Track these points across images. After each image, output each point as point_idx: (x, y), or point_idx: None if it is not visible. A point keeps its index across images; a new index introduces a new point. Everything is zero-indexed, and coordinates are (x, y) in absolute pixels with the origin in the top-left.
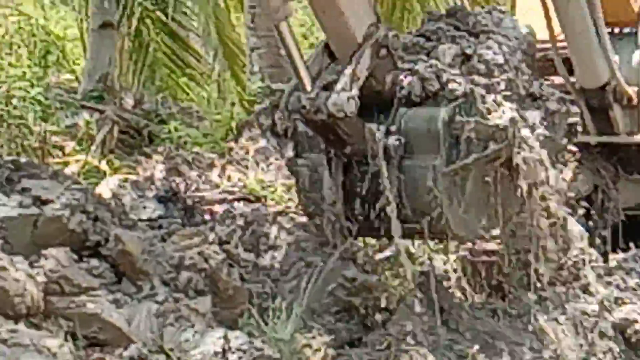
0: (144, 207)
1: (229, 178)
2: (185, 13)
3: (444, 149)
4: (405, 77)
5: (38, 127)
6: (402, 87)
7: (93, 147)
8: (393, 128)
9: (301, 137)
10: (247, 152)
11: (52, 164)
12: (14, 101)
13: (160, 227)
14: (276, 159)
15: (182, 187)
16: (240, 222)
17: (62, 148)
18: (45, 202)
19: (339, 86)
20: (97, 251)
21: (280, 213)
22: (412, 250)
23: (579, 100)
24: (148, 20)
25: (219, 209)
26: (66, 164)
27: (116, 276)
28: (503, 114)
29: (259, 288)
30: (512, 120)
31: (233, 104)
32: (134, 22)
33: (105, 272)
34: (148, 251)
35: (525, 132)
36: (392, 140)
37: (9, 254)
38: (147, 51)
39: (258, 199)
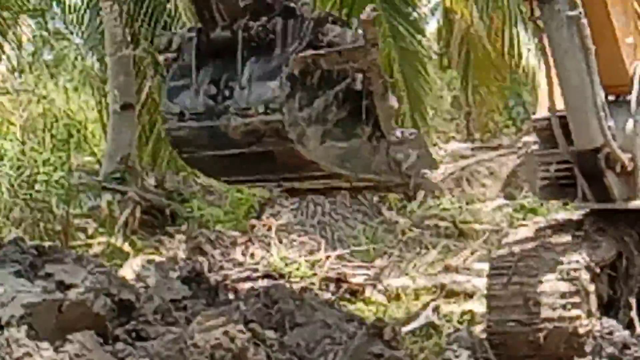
0: (168, 288)
1: (252, 256)
2: None
3: None
4: None
5: (61, 210)
6: None
7: (116, 229)
8: None
9: None
10: (269, 229)
11: (75, 247)
12: (37, 186)
13: (185, 308)
14: (299, 235)
15: (205, 266)
16: (265, 300)
17: (85, 230)
18: (69, 287)
19: None
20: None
21: (305, 289)
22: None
23: (575, 167)
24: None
25: (243, 287)
26: (89, 246)
27: None
28: None
29: None
30: None
31: None
32: (142, 101)
33: (131, 355)
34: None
35: None
36: None
37: (34, 340)
38: (152, 131)
39: (282, 276)
